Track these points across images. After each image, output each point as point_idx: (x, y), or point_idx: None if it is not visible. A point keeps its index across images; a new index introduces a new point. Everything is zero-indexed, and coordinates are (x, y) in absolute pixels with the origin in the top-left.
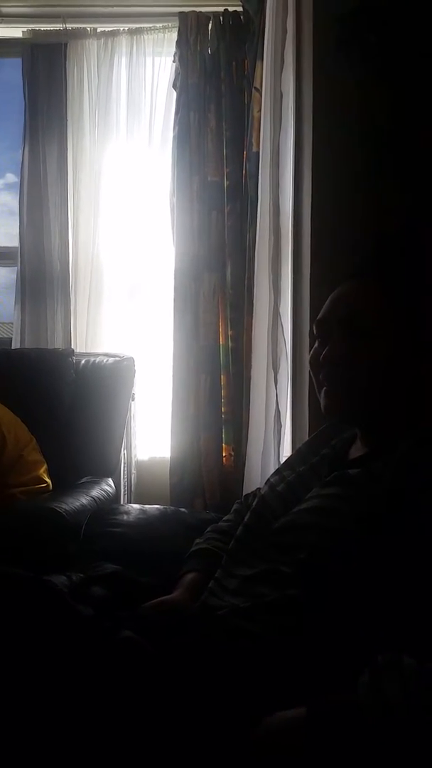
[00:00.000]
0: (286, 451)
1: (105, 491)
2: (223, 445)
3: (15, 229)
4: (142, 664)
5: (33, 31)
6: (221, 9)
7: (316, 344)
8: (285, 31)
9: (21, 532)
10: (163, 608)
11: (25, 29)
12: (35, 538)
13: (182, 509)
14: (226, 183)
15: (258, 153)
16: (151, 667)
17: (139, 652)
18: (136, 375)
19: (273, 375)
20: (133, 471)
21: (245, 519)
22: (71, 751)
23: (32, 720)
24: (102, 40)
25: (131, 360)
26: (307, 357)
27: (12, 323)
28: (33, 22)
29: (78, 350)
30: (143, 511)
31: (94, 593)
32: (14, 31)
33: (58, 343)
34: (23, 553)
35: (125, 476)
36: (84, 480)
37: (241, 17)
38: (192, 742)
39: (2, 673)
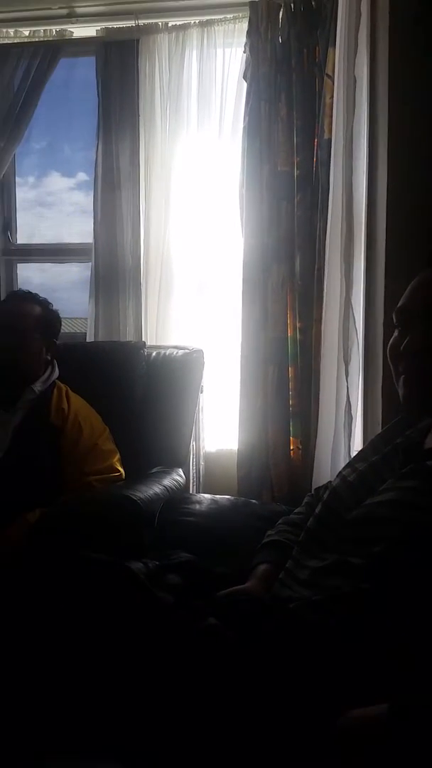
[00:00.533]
0: (357, 445)
1: (176, 481)
2: (291, 438)
3: (87, 227)
4: (226, 652)
5: (106, 29)
6: None
7: (395, 333)
8: (359, 14)
9: (97, 519)
10: (237, 598)
11: (98, 27)
12: (111, 525)
13: (253, 501)
14: (296, 172)
15: (330, 140)
16: (234, 655)
17: (223, 639)
18: (204, 367)
19: (344, 367)
20: (202, 462)
21: (317, 511)
22: (158, 726)
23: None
24: (173, 34)
25: (200, 352)
26: (380, 349)
27: (86, 319)
28: (106, 20)
29: (149, 343)
30: (215, 501)
31: (170, 581)
32: (88, 30)
33: (129, 336)
34: (99, 540)
35: (194, 467)
36: (155, 470)
37: (313, 3)
38: (277, 729)
39: (91, 650)
